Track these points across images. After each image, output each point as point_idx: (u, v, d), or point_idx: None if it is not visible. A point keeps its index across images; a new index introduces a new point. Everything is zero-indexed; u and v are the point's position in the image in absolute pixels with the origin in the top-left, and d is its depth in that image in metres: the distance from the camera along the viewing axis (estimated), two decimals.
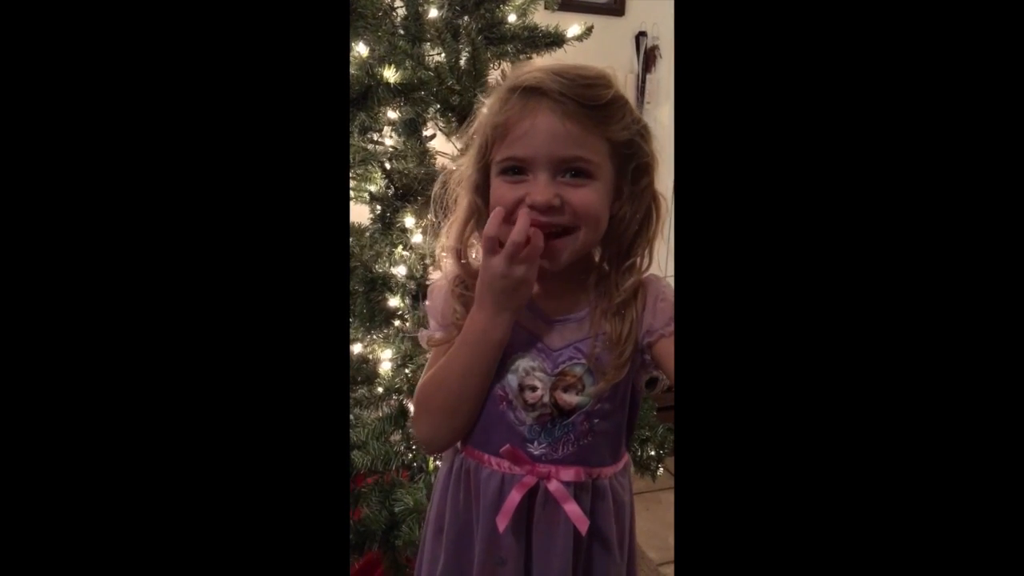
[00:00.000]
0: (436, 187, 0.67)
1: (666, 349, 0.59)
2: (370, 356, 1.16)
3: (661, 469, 1.34)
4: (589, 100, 0.55)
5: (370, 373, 1.16)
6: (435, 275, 1.10)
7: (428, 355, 0.69)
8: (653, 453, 1.32)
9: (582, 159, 0.56)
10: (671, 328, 0.59)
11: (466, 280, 0.63)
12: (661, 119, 2.11)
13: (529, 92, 0.56)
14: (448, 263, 0.66)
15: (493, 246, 0.56)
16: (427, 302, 0.69)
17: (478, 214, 0.62)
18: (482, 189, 0.61)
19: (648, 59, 2.03)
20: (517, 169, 0.57)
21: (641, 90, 2.04)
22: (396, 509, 1.07)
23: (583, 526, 0.60)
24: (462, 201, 0.64)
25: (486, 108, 0.60)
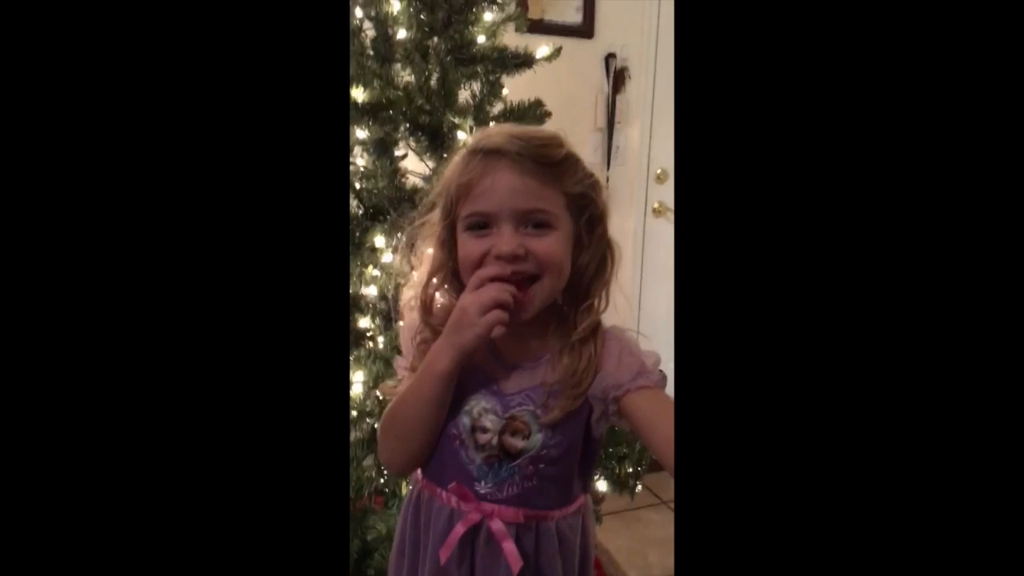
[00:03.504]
0: (403, 242, 0.71)
1: (634, 403, 0.61)
2: None
3: (640, 487, 1.33)
4: (544, 158, 0.60)
5: None
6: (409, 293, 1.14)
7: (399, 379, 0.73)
8: (631, 470, 1.31)
9: (541, 211, 0.60)
10: (638, 383, 0.61)
11: (427, 330, 0.67)
12: (631, 138, 2.15)
13: (489, 154, 0.61)
14: (413, 314, 0.69)
15: (478, 286, 0.60)
16: (400, 335, 0.73)
17: (444, 268, 0.66)
18: (448, 244, 0.65)
19: (617, 80, 2.07)
20: (482, 224, 0.61)
21: (611, 110, 2.07)
22: (368, 537, 1.04)
23: (516, 566, 0.62)
24: (427, 255, 0.68)
25: (449, 170, 0.65)
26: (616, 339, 0.65)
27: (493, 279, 0.60)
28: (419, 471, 0.69)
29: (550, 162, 0.61)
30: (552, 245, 0.61)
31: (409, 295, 0.69)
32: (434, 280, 0.67)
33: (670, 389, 0.58)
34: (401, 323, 0.73)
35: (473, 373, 0.65)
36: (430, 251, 0.67)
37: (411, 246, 0.70)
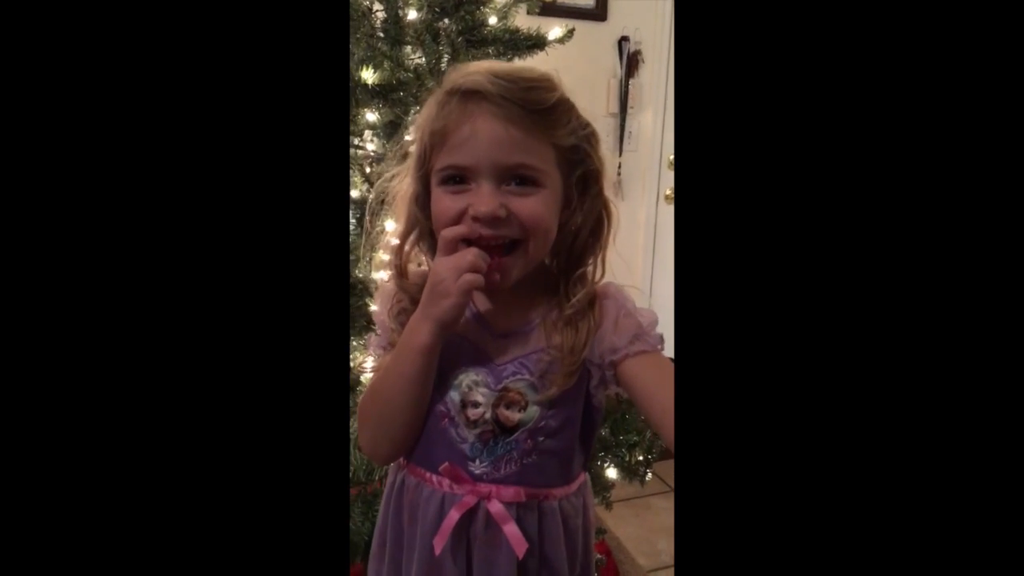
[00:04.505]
0: (371, 198, 0.63)
1: (632, 371, 0.55)
2: (351, 363, 1.14)
3: (650, 474, 1.32)
4: (532, 104, 0.52)
5: (352, 380, 1.13)
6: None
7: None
8: (641, 458, 1.31)
9: (527, 166, 0.53)
10: (636, 347, 0.55)
11: (406, 297, 0.60)
12: (644, 123, 2.12)
13: (468, 95, 0.52)
14: (388, 282, 0.63)
15: (451, 247, 0.54)
16: (374, 307, 0.66)
17: (419, 227, 0.59)
18: (422, 200, 0.58)
19: (631, 64, 2.04)
20: (459, 178, 0.54)
21: (624, 95, 2.04)
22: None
23: (520, 549, 0.56)
24: (401, 213, 0.60)
25: (423, 113, 0.57)
26: (612, 298, 0.59)
27: (467, 240, 0.53)
28: (401, 457, 0.63)
29: (539, 108, 0.52)
30: (537, 206, 0.53)
31: (384, 260, 0.63)
32: (408, 241, 0.60)
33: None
34: (373, 306, 0.67)
35: (459, 344, 0.58)
36: (404, 208, 0.60)
37: (382, 203, 0.62)
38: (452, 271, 0.53)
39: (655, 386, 0.54)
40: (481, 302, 0.60)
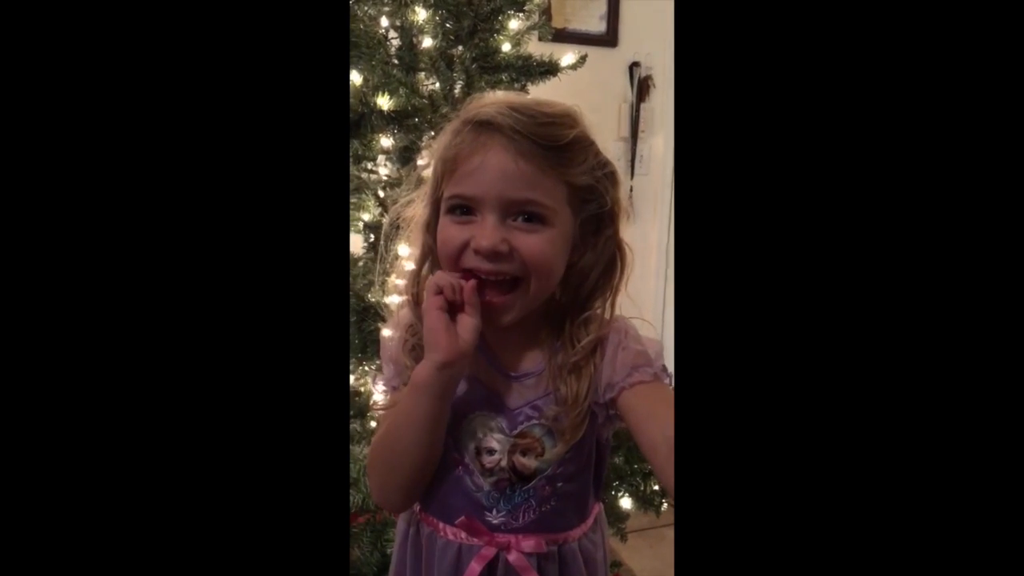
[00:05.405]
0: (385, 225, 0.63)
1: (626, 404, 0.53)
2: (362, 388, 1.13)
3: (665, 504, 1.29)
4: (546, 139, 0.51)
5: (362, 406, 1.12)
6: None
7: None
8: (656, 488, 1.28)
9: (535, 202, 0.51)
10: (632, 379, 0.53)
11: (421, 328, 0.58)
12: (656, 147, 2.13)
13: (481, 126, 0.52)
14: (402, 312, 0.61)
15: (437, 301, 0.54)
16: (386, 332, 0.64)
17: (432, 255, 0.57)
18: (433, 227, 0.56)
19: (642, 89, 2.05)
20: (465, 208, 0.53)
21: (635, 119, 2.05)
22: (388, 550, 1.02)
23: None
24: (416, 240, 0.59)
25: (438, 141, 0.56)
26: (614, 332, 0.56)
27: (471, 274, 0.52)
28: (416, 504, 0.61)
29: (554, 144, 0.51)
30: (542, 244, 0.52)
31: (398, 284, 0.61)
32: (424, 268, 0.58)
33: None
34: (385, 331, 0.64)
35: (471, 387, 0.57)
36: (418, 235, 0.58)
37: (396, 228, 0.61)
38: (427, 308, 0.53)
39: (645, 419, 0.52)
40: (491, 343, 0.58)
